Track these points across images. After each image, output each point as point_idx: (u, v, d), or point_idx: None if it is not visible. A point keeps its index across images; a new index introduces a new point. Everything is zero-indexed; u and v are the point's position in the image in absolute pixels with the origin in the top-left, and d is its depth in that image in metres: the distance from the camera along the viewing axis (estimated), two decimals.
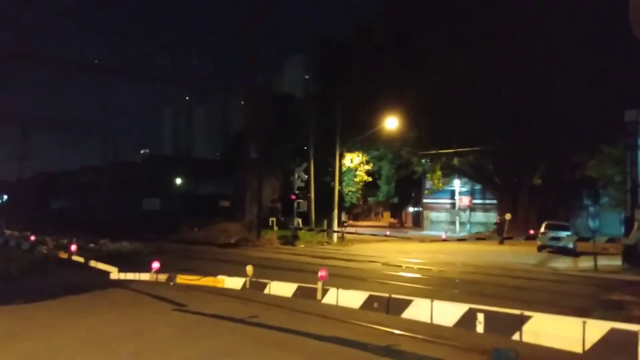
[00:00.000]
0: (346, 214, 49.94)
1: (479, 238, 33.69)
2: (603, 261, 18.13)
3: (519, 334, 4.25)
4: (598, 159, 24.29)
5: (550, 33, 27.37)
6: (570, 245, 22.82)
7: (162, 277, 9.10)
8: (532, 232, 28.91)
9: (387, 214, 78.69)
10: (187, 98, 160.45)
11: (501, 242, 29.18)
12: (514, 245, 28.16)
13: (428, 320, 5.00)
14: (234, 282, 7.75)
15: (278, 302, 8.38)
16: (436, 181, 40.67)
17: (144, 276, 9.64)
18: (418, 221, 60.03)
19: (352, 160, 40.83)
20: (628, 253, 17.67)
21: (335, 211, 31.76)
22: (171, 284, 9.16)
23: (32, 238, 16.96)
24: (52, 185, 61.42)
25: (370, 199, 60.67)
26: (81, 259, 13.00)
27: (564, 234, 24.60)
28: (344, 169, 37.48)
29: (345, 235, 32.30)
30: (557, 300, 10.48)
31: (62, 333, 7.44)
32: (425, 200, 54.11)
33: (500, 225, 34.79)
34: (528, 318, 4.22)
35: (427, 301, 5.08)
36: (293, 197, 32.65)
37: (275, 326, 7.73)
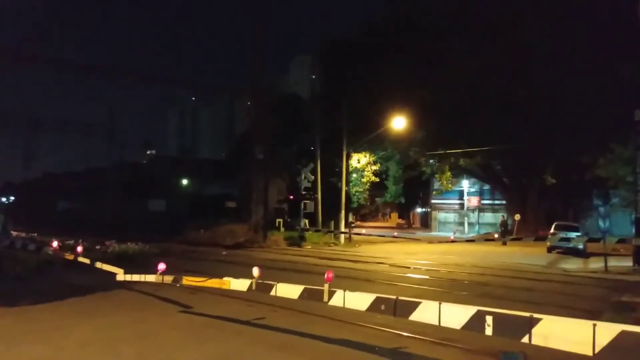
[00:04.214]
0: (353, 215, 49.74)
1: (487, 239, 33.38)
2: (613, 262, 17.94)
3: (528, 336, 4.19)
4: (608, 159, 24.06)
5: (560, 33, 27.17)
6: (580, 246, 22.62)
7: (168, 278, 9.07)
8: (541, 232, 28.63)
9: (394, 215, 78.36)
10: (192, 99, 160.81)
11: (504, 244, 28.89)
12: (524, 246, 27.91)
13: (436, 323, 4.93)
14: (240, 284, 7.70)
15: (284, 304, 8.32)
16: (445, 182, 40.36)
17: (150, 278, 9.63)
18: (426, 222, 59.75)
19: (359, 160, 40.54)
20: (639, 254, 17.48)
21: (343, 212, 31.60)
22: (177, 285, 9.13)
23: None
24: (57, 187, 61.44)
25: (377, 200, 60.27)
26: (87, 261, 12.99)
27: (573, 234, 24.37)
28: (350, 169, 37.20)
29: (352, 236, 32.08)
30: (567, 302, 10.34)
31: (67, 335, 7.42)
32: (433, 201, 53.77)
33: (503, 226, 34.50)
34: (537, 320, 4.16)
35: (434, 303, 5.01)
36: (300, 198, 32.55)
37: (281, 328, 7.68)
